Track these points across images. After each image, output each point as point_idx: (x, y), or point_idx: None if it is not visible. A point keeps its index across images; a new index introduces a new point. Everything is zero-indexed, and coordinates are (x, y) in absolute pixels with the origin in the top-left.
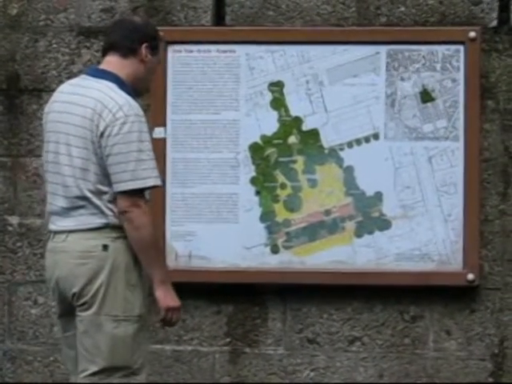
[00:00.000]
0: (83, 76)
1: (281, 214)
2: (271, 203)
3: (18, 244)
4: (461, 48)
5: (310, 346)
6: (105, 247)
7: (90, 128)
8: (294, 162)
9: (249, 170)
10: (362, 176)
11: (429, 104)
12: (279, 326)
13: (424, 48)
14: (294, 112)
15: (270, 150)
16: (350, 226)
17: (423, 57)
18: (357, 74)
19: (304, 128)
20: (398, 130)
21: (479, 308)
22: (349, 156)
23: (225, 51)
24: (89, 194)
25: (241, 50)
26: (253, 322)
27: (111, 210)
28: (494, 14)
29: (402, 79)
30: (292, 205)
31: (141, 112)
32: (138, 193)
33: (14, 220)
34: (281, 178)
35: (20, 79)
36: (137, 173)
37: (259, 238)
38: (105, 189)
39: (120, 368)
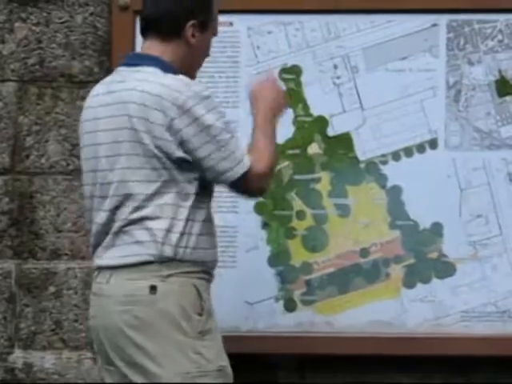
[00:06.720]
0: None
1: (298, 254)
2: (284, 239)
3: None
4: None
5: None
6: (152, 289)
7: None
8: (317, 180)
9: None
10: (413, 201)
11: (508, 98)
12: None
13: (502, 18)
14: (316, 110)
15: (282, 164)
16: (398, 271)
17: (500, 30)
18: (406, 56)
19: (331, 132)
20: (464, 135)
21: None
22: (394, 172)
23: (218, 24)
24: None
25: (240, 22)
26: None
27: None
28: None
29: (470, 63)
30: (314, 242)
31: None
32: None
33: None
34: (298, 204)
35: None
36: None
37: (267, 289)
38: None
39: None
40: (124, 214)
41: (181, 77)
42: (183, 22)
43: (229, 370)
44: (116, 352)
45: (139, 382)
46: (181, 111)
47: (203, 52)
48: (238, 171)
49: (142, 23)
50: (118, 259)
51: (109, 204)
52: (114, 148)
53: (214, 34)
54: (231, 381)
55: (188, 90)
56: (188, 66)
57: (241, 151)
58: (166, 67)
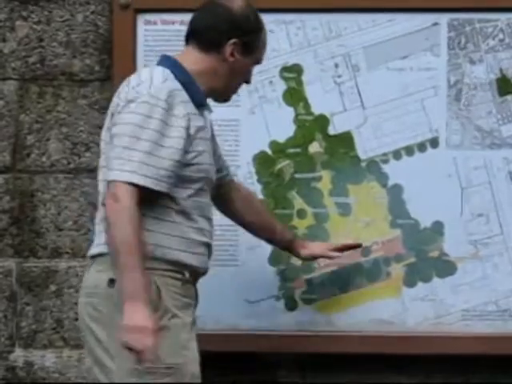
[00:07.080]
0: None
1: None
2: None
3: None
4: None
5: None
6: (111, 282)
7: None
8: (318, 179)
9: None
10: (414, 199)
11: (509, 97)
12: None
13: (503, 17)
14: (317, 108)
15: (283, 163)
16: (398, 270)
17: (501, 29)
18: (407, 55)
19: (332, 131)
20: (465, 134)
21: None
22: (395, 171)
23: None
24: None
25: None
26: None
27: None
28: None
29: (471, 62)
30: (315, 240)
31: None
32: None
33: None
34: (299, 203)
35: None
36: None
37: (268, 287)
38: None
39: None
40: (102, 199)
41: (161, 79)
42: (225, 39)
43: (188, 368)
44: (85, 345)
45: (99, 375)
46: (125, 101)
47: (241, 76)
48: (110, 175)
49: (187, 30)
50: (93, 249)
51: (99, 188)
52: (105, 135)
53: (258, 61)
54: (188, 380)
55: (145, 88)
56: (221, 85)
57: (133, 167)
58: (182, 73)
